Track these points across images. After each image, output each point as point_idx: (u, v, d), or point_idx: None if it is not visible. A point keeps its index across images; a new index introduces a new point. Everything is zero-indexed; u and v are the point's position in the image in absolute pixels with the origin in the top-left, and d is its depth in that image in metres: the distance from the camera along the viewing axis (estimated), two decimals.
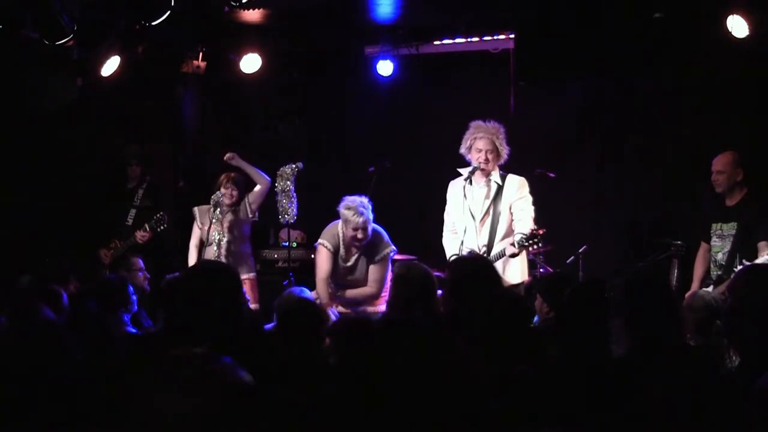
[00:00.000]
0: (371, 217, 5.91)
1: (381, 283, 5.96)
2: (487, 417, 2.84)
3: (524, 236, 5.54)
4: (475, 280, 3.84)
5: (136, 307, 5.19)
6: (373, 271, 6.00)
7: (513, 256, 5.67)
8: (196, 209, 6.94)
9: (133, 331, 4.74)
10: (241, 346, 2.89)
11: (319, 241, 6.14)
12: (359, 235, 5.87)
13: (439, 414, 2.55)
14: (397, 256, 6.33)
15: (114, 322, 4.39)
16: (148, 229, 7.15)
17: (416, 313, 4.05)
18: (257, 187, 6.87)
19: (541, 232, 5.54)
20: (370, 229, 5.91)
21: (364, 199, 5.94)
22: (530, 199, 5.85)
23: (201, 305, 3.16)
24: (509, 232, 5.80)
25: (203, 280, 3.20)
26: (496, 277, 4.12)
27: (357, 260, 6.06)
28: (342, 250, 6.05)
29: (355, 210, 5.83)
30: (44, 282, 4.94)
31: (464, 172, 5.88)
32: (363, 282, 6.07)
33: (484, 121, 5.90)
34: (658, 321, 3.14)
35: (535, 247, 5.68)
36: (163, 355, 1.79)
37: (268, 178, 6.79)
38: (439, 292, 4.33)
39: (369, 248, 5.99)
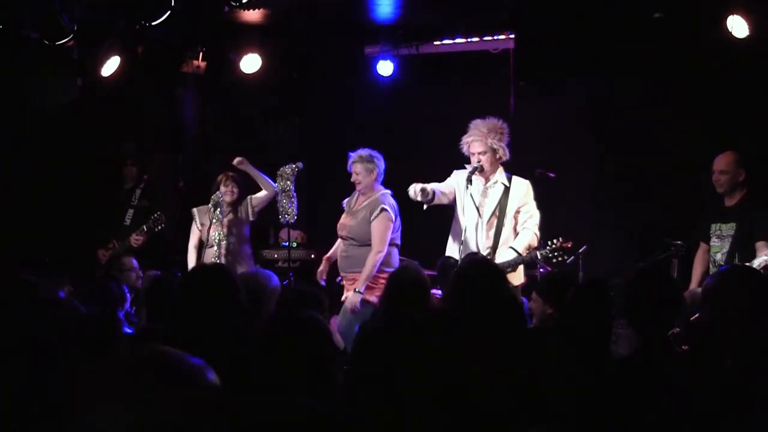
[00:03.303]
0: (372, 167, 6.08)
1: (377, 240, 5.97)
2: (487, 416, 2.85)
3: (549, 249, 5.53)
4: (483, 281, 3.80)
5: (128, 306, 5.24)
6: (372, 228, 6.03)
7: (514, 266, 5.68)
8: (195, 210, 6.93)
9: (128, 330, 4.75)
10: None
11: None
12: (353, 178, 6.13)
13: (441, 412, 2.55)
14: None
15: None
16: (145, 229, 7.14)
17: (411, 314, 4.06)
18: (263, 193, 6.84)
19: (568, 245, 5.52)
20: (363, 174, 6.09)
21: (367, 151, 6.12)
22: (534, 204, 5.84)
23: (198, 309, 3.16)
24: (512, 236, 5.78)
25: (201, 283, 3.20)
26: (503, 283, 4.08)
27: (360, 210, 6.13)
28: (354, 196, 6.29)
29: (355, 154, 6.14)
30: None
31: (469, 167, 5.86)
32: (356, 233, 6.06)
33: (483, 118, 5.88)
34: (665, 319, 3.11)
35: (560, 260, 5.64)
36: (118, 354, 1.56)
37: (275, 185, 6.75)
38: (436, 291, 4.33)
39: (370, 205, 6.09)
